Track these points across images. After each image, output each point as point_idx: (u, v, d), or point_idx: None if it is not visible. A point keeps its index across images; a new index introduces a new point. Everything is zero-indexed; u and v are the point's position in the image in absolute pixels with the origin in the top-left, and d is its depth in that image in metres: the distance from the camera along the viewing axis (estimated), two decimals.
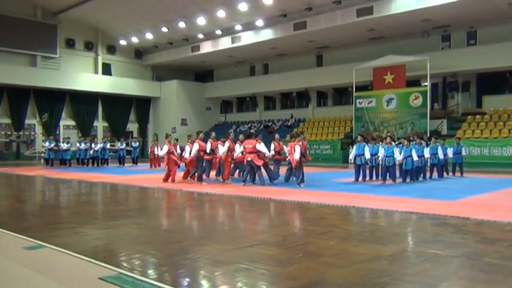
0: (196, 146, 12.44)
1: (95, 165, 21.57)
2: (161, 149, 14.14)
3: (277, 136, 13.19)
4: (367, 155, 12.98)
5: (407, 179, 12.68)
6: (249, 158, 11.88)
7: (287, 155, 12.26)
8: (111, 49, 32.31)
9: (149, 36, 29.66)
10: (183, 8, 25.66)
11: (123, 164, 22.23)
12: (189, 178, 13.32)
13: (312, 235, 5.93)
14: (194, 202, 9.77)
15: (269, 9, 23.98)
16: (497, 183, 12.44)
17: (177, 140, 17.28)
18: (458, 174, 14.87)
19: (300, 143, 11.83)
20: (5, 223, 6.65)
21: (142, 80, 33.51)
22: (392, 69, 23.37)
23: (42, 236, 5.58)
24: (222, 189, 11.23)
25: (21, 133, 28.24)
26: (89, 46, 31.17)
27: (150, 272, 4.27)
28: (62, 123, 30.25)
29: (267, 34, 26.17)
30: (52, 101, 29.27)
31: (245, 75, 33.28)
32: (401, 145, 13.06)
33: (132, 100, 33.31)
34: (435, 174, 14.13)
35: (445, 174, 14.44)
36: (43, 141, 25.07)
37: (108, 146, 22.51)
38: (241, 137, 13.04)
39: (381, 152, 12.81)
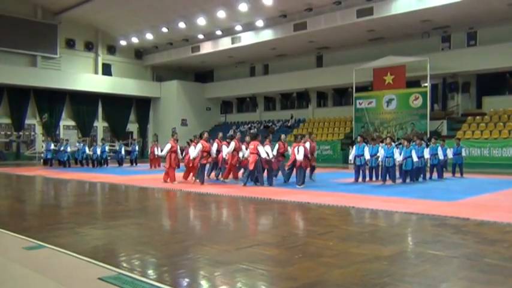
0: (199, 147, 12.41)
1: (95, 165, 21.54)
2: (164, 147, 13.75)
3: (283, 137, 13.02)
4: (367, 156, 12.99)
5: (407, 180, 12.68)
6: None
7: (290, 156, 12.21)
8: (111, 49, 32.31)
9: (149, 36, 29.66)
10: (183, 9, 25.67)
11: (122, 165, 22.20)
12: (193, 178, 13.20)
13: (311, 235, 5.93)
14: (194, 202, 9.77)
15: (269, 9, 23.98)
16: (497, 184, 12.43)
17: (177, 140, 17.21)
18: (458, 175, 14.87)
19: (306, 144, 11.85)
20: (4, 223, 6.65)
21: (142, 81, 33.51)
22: (392, 69, 23.37)
23: (42, 236, 5.58)
24: (222, 189, 11.22)
25: (21, 133, 28.23)
26: (89, 46, 31.16)
27: (150, 272, 4.27)
28: (62, 123, 30.23)
29: (267, 35, 26.18)
30: (52, 101, 29.25)
31: (245, 75, 33.28)
32: (401, 146, 13.08)
33: (132, 100, 33.31)
34: (435, 175, 14.12)
35: (445, 174, 14.44)
36: (43, 141, 25.06)
37: (106, 148, 22.50)
38: (247, 138, 12.97)
39: (381, 153, 12.82)
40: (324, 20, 23.40)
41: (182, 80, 34.27)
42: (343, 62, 26.35)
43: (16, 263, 4.46)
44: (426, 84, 22.85)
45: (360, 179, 13.13)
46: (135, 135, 32.94)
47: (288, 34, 25.12)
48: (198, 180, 12.63)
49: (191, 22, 26.59)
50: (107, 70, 32.14)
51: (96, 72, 31.48)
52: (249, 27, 26.50)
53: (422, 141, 14.30)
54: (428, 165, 14.22)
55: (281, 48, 28.23)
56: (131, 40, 30.84)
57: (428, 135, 20.32)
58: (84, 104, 30.79)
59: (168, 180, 13.06)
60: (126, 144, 26.13)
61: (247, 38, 27.10)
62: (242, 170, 13.67)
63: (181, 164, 13.96)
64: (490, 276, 3.99)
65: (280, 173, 13.00)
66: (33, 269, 4.23)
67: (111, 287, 3.68)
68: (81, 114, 30.88)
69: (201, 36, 28.94)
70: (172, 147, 13.24)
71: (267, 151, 11.70)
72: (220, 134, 13.79)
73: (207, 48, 29.51)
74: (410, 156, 12.50)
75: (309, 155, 12.43)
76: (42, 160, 23.91)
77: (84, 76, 30.23)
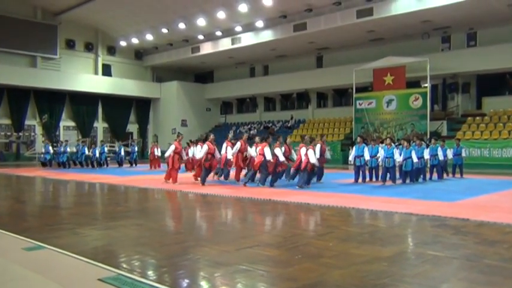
0: (205, 148, 12.41)
1: (95, 166, 21.53)
2: (168, 149, 13.76)
3: (288, 140, 12.99)
4: (367, 156, 12.99)
5: (407, 180, 12.68)
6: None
7: (294, 159, 12.17)
8: (111, 50, 32.31)
9: (149, 37, 29.67)
10: (183, 9, 25.68)
11: (122, 166, 22.18)
12: (198, 179, 13.21)
13: (311, 236, 5.93)
14: (194, 203, 9.77)
15: (269, 10, 23.99)
16: (497, 185, 12.43)
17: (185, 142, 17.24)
18: (458, 175, 14.86)
19: (317, 147, 11.87)
20: (4, 224, 6.65)
21: (142, 81, 33.51)
22: (392, 70, 23.37)
23: (42, 237, 5.58)
24: (222, 190, 11.23)
25: (21, 134, 28.21)
26: (89, 47, 31.17)
27: (150, 273, 4.27)
28: (62, 124, 30.22)
29: (267, 35, 26.18)
30: (52, 102, 29.25)
31: (245, 76, 33.29)
32: (401, 146, 13.07)
33: (132, 101, 33.30)
34: (435, 176, 14.12)
35: (444, 175, 14.44)
36: (43, 141, 25.03)
37: (106, 149, 22.49)
38: (257, 139, 12.93)
39: (381, 153, 12.82)
40: (323, 20, 23.40)
41: (182, 80, 34.26)
42: (343, 63, 26.35)
43: (16, 264, 4.46)
44: (426, 85, 22.84)
45: (360, 180, 13.13)
46: (135, 136, 32.93)
47: (288, 35, 25.12)
48: (199, 180, 12.68)
49: (191, 23, 26.59)
50: (106, 71, 32.14)
51: (96, 72, 31.47)
52: (249, 27, 26.50)
53: (422, 142, 14.30)
54: (428, 165, 14.22)
55: (281, 48, 28.23)
56: (131, 41, 30.84)
57: (428, 136, 20.31)
58: (84, 105, 30.79)
59: (170, 181, 13.07)
60: (126, 145, 26.13)
61: (247, 39, 27.11)
62: (244, 172, 13.66)
63: (181, 165, 13.97)
64: (490, 277, 3.99)
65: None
66: (33, 270, 4.23)
67: None
68: (81, 115, 30.87)
69: (201, 37, 28.94)
70: (176, 148, 13.27)
71: (277, 154, 11.60)
72: (230, 135, 13.81)
73: (207, 48, 29.51)
74: (410, 157, 12.50)
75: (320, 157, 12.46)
76: (40, 162, 23.77)
77: (84, 77, 30.22)
